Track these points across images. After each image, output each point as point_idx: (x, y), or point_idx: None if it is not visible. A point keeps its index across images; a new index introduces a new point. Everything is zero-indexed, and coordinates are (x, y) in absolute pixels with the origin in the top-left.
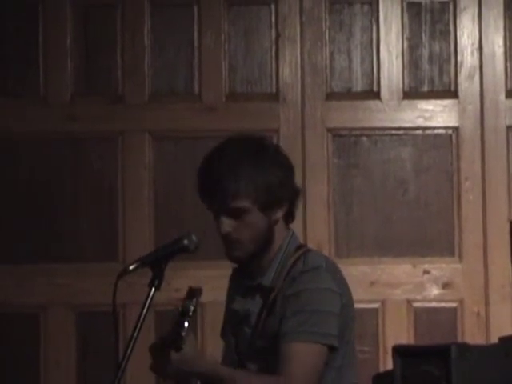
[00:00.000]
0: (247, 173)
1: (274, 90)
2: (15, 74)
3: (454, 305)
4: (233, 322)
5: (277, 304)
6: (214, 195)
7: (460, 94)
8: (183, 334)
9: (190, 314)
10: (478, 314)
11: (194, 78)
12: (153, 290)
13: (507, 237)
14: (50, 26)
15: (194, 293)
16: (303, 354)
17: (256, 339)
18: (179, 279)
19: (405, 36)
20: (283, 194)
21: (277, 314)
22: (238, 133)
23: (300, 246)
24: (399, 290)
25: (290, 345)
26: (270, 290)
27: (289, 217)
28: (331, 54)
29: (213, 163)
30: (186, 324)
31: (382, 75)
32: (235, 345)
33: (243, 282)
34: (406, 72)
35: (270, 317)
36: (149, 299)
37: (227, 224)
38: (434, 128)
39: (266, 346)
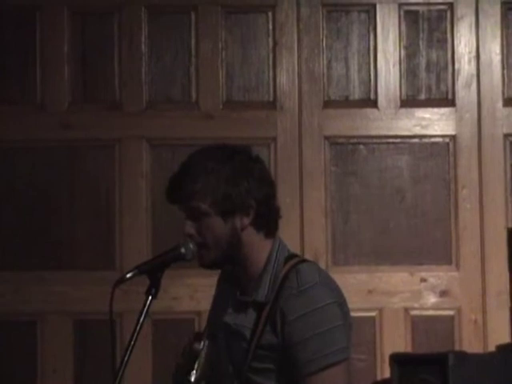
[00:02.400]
0: (207, 176)
1: (272, 98)
2: (12, 81)
3: (451, 313)
4: (224, 334)
5: (271, 318)
6: (174, 195)
7: (457, 102)
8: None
9: (202, 359)
10: (476, 322)
11: (191, 86)
12: (150, 298)
13: (504, 245)
14: (48, 33)
15: (201, 336)
16: (333, 381)
17: (254, 351)
18: (176, 287)
19: (402, 44)
20: (245, 203)
21: (273, 329)
22: (222, 142)
23: (289, 256)
24: (396, 298)
25: (317, 376)
26: (263, 305)
27: (270, 228)
28: (328, 62)
29: (180, 166)
30: (194, 376)
31: (379, 83)
32: (229, 355)
33: (233, 294)
34: (403, 80)
35: (266, 330)
36: (146, 307)
37: (189, 225)
38: (431, 136)
39: (264, 356)
